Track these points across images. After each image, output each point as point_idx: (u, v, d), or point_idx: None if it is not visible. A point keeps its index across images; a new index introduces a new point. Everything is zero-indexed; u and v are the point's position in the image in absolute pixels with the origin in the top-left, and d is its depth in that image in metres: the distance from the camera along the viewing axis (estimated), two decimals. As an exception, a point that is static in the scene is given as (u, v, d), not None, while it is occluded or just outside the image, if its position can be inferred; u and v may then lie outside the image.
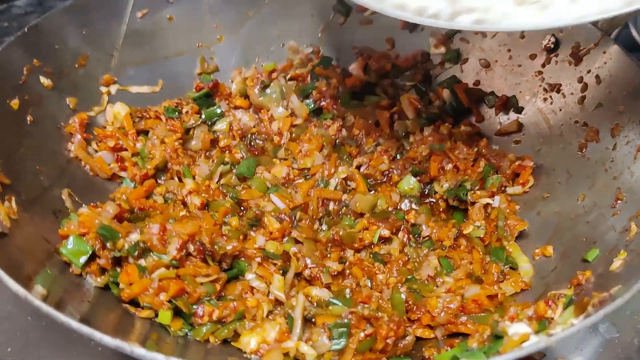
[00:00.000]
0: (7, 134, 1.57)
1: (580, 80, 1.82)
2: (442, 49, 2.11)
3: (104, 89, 1.95)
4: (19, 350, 1.57)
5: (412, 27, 2.15)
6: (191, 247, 1.45)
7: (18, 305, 1.68)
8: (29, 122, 1.66)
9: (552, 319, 1.23)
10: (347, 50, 2.19)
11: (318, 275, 1.54)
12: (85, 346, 1.58)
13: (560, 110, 1.86)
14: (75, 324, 1.03)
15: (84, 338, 1.52)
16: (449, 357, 1.24)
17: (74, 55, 1.87)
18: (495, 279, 1.51)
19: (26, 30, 1.72)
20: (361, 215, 1.74)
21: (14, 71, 1.67)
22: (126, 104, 1.96)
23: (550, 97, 1.90)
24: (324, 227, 1.74)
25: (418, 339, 1.42)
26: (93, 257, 1.44)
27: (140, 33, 2.03)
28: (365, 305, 1.36)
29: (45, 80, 1.75)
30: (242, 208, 1.76)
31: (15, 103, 1.63)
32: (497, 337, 1.26)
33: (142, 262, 1.42)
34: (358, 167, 1.87)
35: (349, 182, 1.83)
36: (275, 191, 1.78)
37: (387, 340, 1.32)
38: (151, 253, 1.42)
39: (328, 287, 1.53)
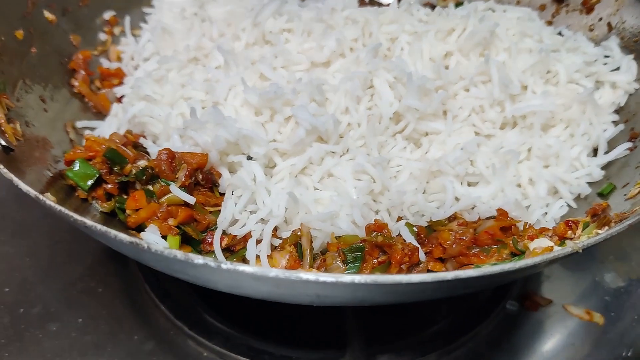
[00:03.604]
0: (13, 62, 1.54)
1: (592, 28, 1.81)
2: (451, 1, 2.10)
3: (107, 29, 1.91)
4: (16, 291, 1.55)
5: (420, -19, 2.14)
6: (200, 176, 1.41)
7: (15, 245, 1.66)
8: (33, 53, 1.62)
9: (572, 238, 1.22)
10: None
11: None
12: (85, 286, 1.57)
13: (571, 58, 1.85)
14: (89, 223, 1.00)
15: (83, 280, 1.55)
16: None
17: (78, -7, 1.84)
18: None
19: (31, -37, 1.69)
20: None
21: (19, 2, 1.63)
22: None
23: (561, 46, 1.88)
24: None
25: (429, 272, 1.39)
26: (99, 182, 1.40)
27: (144, -24, 2.00)
28: (379, 234, 1.33)
29: (49, 15, 1.72)
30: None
31: (19, 33, 1.59)
32: (516, 256, 1.25)
33: (149, 187, 1.39)
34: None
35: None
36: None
37: (401, 266, 1.29)
38: (159, 179, 1.39)
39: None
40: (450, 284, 0.96)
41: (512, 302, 1.57)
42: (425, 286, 0.96)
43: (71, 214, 1.02)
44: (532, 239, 1.25)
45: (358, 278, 0.92)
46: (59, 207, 1.04)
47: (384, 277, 0.93)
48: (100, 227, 0.99)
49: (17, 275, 1.59)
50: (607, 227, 1.15)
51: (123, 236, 0.97)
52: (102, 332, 1.47)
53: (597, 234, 1.12)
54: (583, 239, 1.14)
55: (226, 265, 0.93)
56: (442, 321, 1.54)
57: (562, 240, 1.25)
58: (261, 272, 0.93)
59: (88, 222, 1.00)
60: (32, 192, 1.07)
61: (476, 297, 1.58)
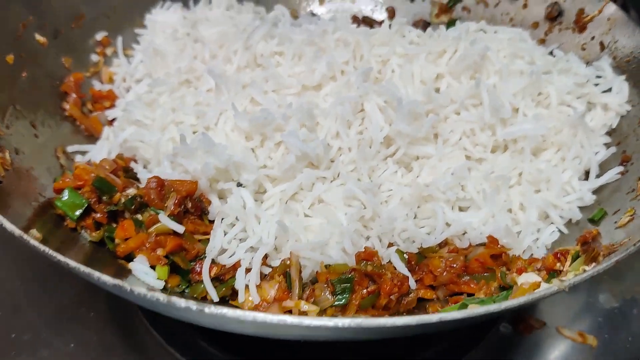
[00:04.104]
0: (4, 88, 1.54)
1: (584, 47, 1.81)
2: (444, 18, 2.09)
3: (99, 50, 1.91)
4: (8, 316, 1.54)
5: (413, -4, 2.14)
6: (189, 204, 1.41)
7: (8, 270, 1.65)
8: (24, 78, 1.62)
9: (561, 271, 1.22)
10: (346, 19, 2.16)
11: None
12: (76, 311, 1.56)
13: (564, 77, 1.84)
14: (73, 264, 1.00)
15: (75, 305, 1.54)
16: (457, 307, 1.22)
17: (70, 14, 1.83)
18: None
19: (23, -14, 1.69)
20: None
21: (10, 26, 1.63)
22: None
23: (554, 64, 1.87)
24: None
25: (420, 299, 1.39)
26: (88, 211, 1.40)
27: (137, -5, 2.00)
28: (368, 263, 1.33)
29: (40, 38, 1.72)
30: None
31: (10, 58, 1.59)
32: (504, 289, 1.25)
33: (138, 217, 1.38)
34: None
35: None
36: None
37: (391, 297, 1.29)
38: (148, 208, 1.39)
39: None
40: (435, 326, 0.96)
41: (505, 325, 1.56)
42: (410, 328, 0.95)
43: (55, 254, 1.02)
44: (520, 272, 1.25)
45: (342, 322, 0.92)
46: (42, 247, 1.04)
47: (368, 320, 0.93)
48: (84, 268, 0.99)
49: (9, 300, 1.58)
50: (594, 263, 1.15)
51: (106, 278, 0.97)
52: (93, 358, 1.46)
53: (584, 270, 1.11)
54: (570, 276, 1.14)
55: (209, 309, 0.93)
56: (435, 345, 1.53)
57: (550, 272, 1.24)
58: (244, 316, 0.93)
59: (72, 263, 1.00)
60: (17, 231, 1.07)
61: (469, 320, 1.58)
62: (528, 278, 1.18)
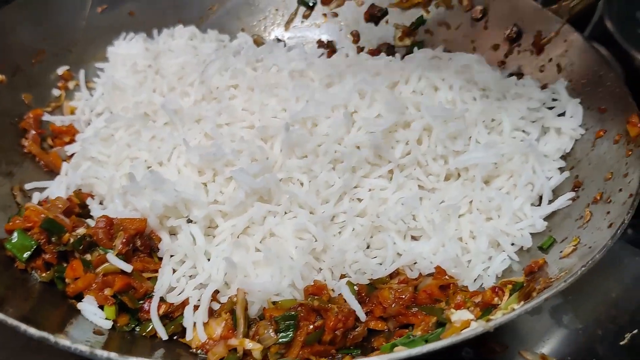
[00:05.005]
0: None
1: (542, 69, 1.81)
2: (407, 41, 2.10)
3: (60, 84, 1.91)
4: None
5: (377, 20, 2.14)
6: (138, 242, 1.41)
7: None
8: (-20, 118, 1.63)
9: (498, 306, 1.22)
10: (312, 43, 2.17)
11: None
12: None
13: (522, 99, 1.84)
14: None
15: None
16: (390, 346, 1.22)
17: (30, 51, 1.85)
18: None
19: (-21, 24, 1.70)
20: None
21: (-34, 66, 1.65)
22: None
23: (513, 86, 1.87)
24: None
25: (371, 331, 1.39)
26: (39, 252, 1.41)
27: (100, 28, 2.00)
28: (316, 297, 1.33)
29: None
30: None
31: (-34, 98, 1.60)
32: (441, 324, 1.25)
33: (87, 257, 1.39)
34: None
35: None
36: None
37: (336, 332, 1.29)
38: (97, 248, 1.39)
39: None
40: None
41: (467, 350, 1.55)
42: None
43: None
44: (458, 307, 1.25)
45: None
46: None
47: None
48: (11, 320, 1.00)
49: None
50: (523, 302, 1.15)
51: (33, 331, 0.99)
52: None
53: (513, 309, 1.11)
54: (499, 314, 1.14)
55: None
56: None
57: (487, 308, 1.24)
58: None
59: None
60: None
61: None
62: (461, 316, 1.18)
